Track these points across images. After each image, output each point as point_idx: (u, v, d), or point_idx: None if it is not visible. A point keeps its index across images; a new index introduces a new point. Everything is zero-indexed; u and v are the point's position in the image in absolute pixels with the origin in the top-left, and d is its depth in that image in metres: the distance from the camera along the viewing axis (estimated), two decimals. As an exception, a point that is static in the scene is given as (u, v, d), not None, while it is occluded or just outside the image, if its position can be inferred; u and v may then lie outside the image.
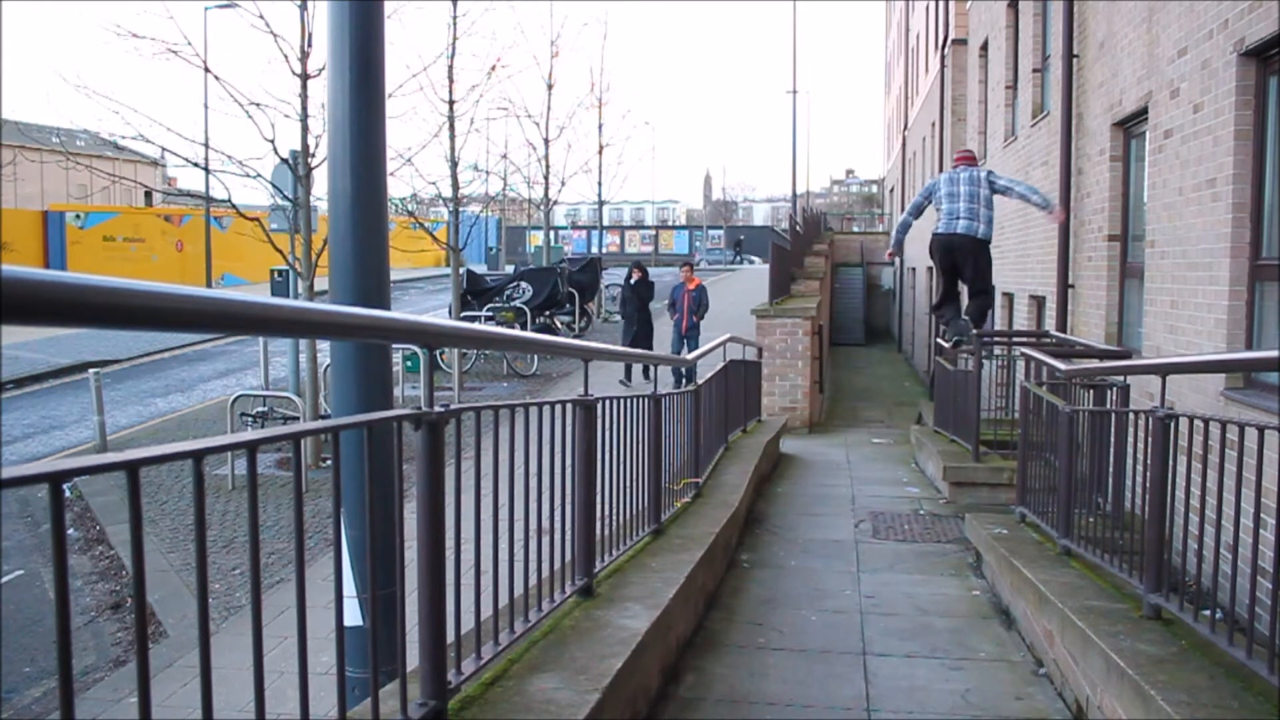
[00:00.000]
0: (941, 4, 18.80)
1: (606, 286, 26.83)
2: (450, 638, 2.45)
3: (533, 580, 3.12)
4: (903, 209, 28.47)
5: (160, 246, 33.63)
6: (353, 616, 3.50)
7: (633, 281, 15.77)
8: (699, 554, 4.63)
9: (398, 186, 17.21)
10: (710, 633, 4.75)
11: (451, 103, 14.65)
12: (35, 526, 9.49)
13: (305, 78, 10.26)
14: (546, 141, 22.78)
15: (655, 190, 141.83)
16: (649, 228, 71.90)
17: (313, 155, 10.42)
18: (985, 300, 9.00)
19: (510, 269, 28.67)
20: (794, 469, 9.81)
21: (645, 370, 14.48)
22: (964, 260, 8.55)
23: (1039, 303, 10.59)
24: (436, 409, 2.32)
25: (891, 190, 35.69)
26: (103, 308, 1.28)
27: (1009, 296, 12.37)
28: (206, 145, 11.32)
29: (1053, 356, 6.13)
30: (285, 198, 11.06)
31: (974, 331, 8.65)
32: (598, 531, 3.77)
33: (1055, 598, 4.03)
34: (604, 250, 37.76)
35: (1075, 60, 9.07)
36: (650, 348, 14.79)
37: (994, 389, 9.35)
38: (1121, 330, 8.13)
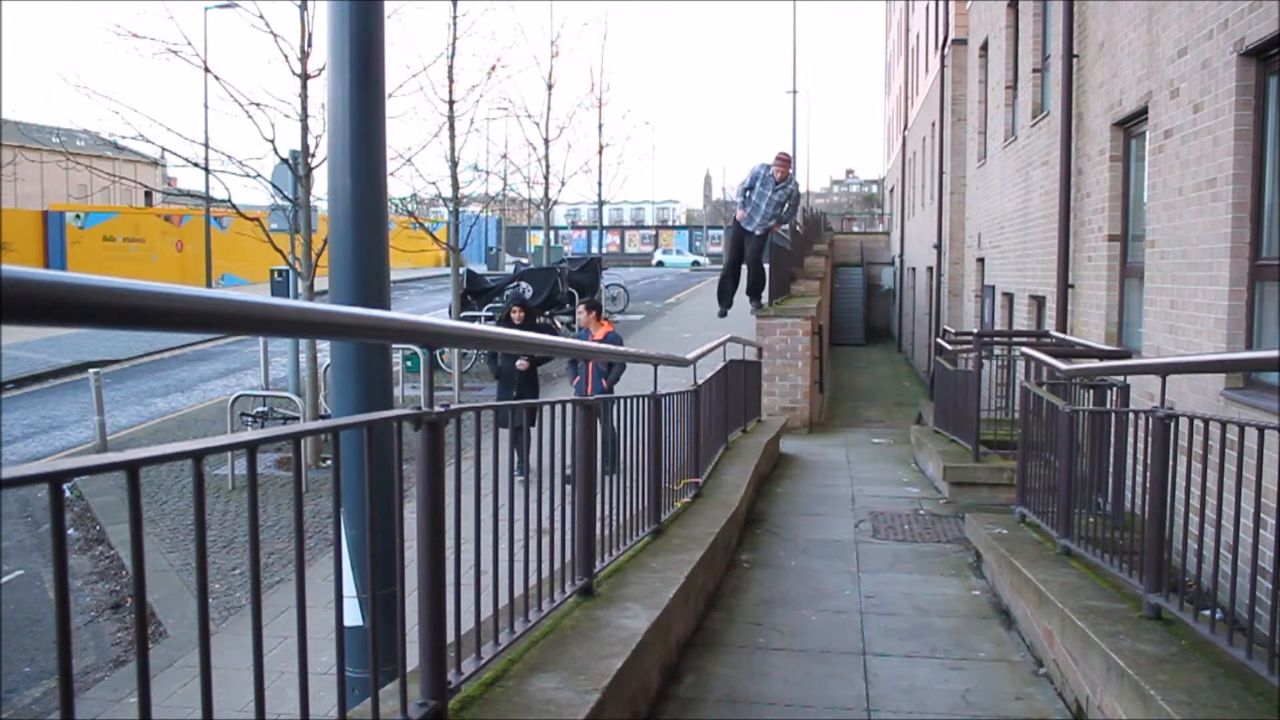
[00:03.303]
0: (941, 4, 18.78)
1: (606, 286, 26.88)
2: (450, 638, 2.45)
3: (532, 580, 3.12)
4: (903, 210, 28.59)
5: (160, 246, 33.63)
6: (353, 616, 3.50)
7: (515, 321, 10.35)
8: (699, 554, 4.63)
9: (398, 186, 17.25)
10: (710, 633, 4.74)
11: (451, 103, 14.65)
12: (35, 526, 9.49)
13: (305, 78, 10.26)
14: (546, 141, 22.72)
15: (655, 190, 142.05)
16: (649, 228, 71.94)
17: (313, 155, 10.42)
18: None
19: (510, 269, 28.68)
20: (794, 469, 9.81)
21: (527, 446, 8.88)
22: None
23: (1039, 303, 10.59)
24: (436, 409, 2.32)
25: (891, 190, 35.63)
26: (103, 308, 1.28)
27: (1009, 296, 12.36)
28: (206, 145, 11.33)
29: (1053, 356, 6.13)
30: (285, 198, 11.07)
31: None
32: (598, 531, 3.77)
33: (1055, 598, 4.03)
34: (604, 250, 37.77)
35: (1075, 60, 9.07)
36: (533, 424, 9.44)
37: (994, 389, 9.36)
38: (1121, 330, 8.13)
